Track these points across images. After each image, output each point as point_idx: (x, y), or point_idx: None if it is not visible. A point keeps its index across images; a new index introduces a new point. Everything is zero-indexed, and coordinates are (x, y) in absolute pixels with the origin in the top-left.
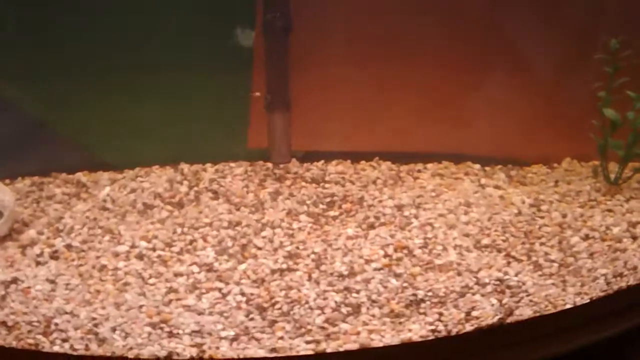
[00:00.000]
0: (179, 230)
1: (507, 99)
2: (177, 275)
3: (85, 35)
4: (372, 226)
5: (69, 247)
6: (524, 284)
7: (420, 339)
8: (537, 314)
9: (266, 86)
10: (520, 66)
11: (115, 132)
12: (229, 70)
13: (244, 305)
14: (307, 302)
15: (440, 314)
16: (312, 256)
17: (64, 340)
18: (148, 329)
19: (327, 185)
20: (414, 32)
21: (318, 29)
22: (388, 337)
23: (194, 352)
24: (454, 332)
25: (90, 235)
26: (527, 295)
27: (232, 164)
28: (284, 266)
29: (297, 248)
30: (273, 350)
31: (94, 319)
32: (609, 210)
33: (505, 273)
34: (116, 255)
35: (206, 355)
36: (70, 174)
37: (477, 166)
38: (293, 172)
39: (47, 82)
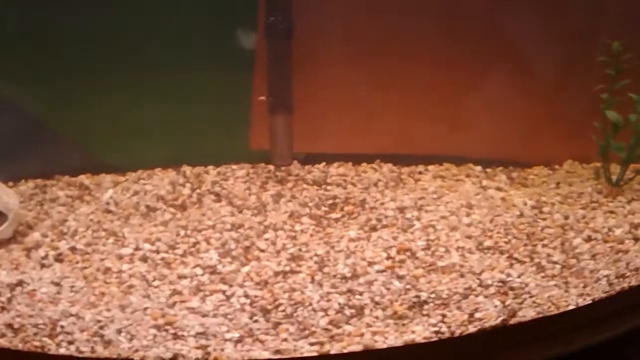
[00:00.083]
0: (182, 232)
1: (509, 101)
2: (181, 277)
3: (88, 36)
4: (374, 228)
5: (73, 249)
6: (526, 285)
7: (423, 341)
8: (540, 315)
9: (268, 89)
10: (521, 68)
11: (117, 134)
12: (230, 72)
13: (247, 308)
14: (310, 304)
15: (444, 316)
16: (315, 258)
17: (70, 343)
18: (153, 331)
19: (328, 188)
20: (415, 35)
21: (319, 32)
22: (392, 339)
23: (199, 353)
24: (457, 333)
25: (94, 237)
26: (530, 297)
27: (234, 166)
28: (287, 268)
29: (300, 250)
30: (277, 352)
31: (99, 321)
32: (611, 212)
33: (508, 275)
34: (120, 257)
35: (211, 357)
36: (73, 176)
37: (479, 168)
38: (295, 175)
39: (48, 83)
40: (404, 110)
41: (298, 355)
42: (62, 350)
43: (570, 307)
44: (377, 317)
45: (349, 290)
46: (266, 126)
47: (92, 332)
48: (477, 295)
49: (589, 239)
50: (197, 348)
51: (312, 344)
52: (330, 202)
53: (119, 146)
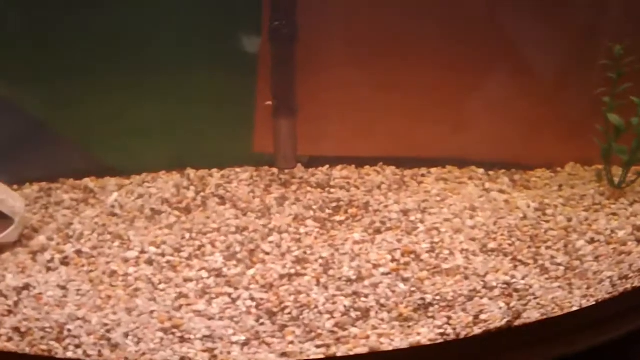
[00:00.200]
0: (187, 235)
1: (511, 104)
2: (186, 280)
3: (92, 39)
4: (378, 231)
5: (79, 253)
6: (531, 287)
7: (429, 343)
8: (545, 317)
9: (272, 92)
10: (523, 70)
11: (121, 136)
12: (234, 75)
13: (253, 310)
14: (316, 307)
15: (449, 318)
16: (320, 261)
17: (77, 346)
18: (160, 334)
19: (332, 190)
20: (418, 38)
21: (323, 35)
22: (397, 341)
23: (205, 357)
24: (462, 335)
25: (99, 241)
26: (535, 298)
27: (238, 169)
28: (292, 271)
29: (305, 253)
30: (284, 354)
31: (106, 324)
32: (614, 214)
33: (513, 277)
34: (126, 261)
35: None
36: (77, 179)
37: (481, 170)
38: (298, 177)
39: (51, 85)
40: (406, 113)
41: (305, 357)
42: (70, 354)
43: (574, 309)
44: (382, 320)
45: (355, 293)
46: (269, 129)
47: (99, 336)
48: (481, 297)
49: (592, 241)
50: (204, 351)
51: (318, 347)
52: (334, 204)
53: (123, 149)
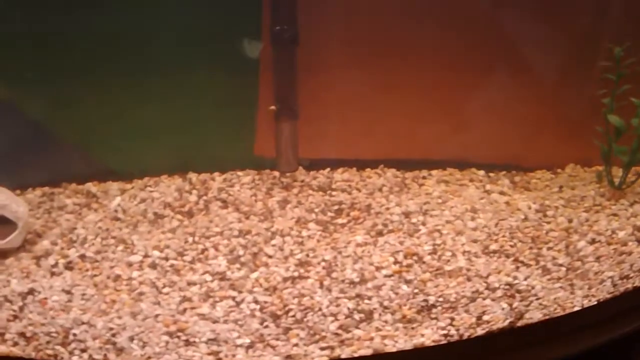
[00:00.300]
0: (190, 239)
1: (511, 105)
2: (190, 284)
3: (96, 42)
4: (380, 233)
5: (83, 257)
6: (533, 288)
7: (432, 344)
8: (547, 317)
9: (274, 95)
10: (524, 72)
11: (123, 140)
12: (236, 79)
13: (257, 313)
14: (320, 309)
15: (452, 319)
16: (323, 264)
17: (83, 351)
18: (165, 337)
19: (334, 193)
20: (419, 42)
21: (324, 39)
22: (401, 342)
23: None
24: (465, 336)
25: (103, 245)
26: (537, 299)
27: (240, 173)
28: (296, 274)
29: (308, 256)
30: (288, 357)
31: (111, 328)
32: (614, 215)
33: (515, 278)
34: (130, 265)
35: None
36: (79, 184)
37: (482, 172)
38: (300, 180)
39: (53, 89)
40: (407, 116)
41: None
42: (75, 359)
43: (576, 309)
44: (386, 321)
45: (358, 295)
46: (271, 132)
47: (105, 340)
48: (484, 299)
49: (593, 242)
50: (209, 354)
51: (322, 349)
52: (336, 207)
53: (125, 152)
